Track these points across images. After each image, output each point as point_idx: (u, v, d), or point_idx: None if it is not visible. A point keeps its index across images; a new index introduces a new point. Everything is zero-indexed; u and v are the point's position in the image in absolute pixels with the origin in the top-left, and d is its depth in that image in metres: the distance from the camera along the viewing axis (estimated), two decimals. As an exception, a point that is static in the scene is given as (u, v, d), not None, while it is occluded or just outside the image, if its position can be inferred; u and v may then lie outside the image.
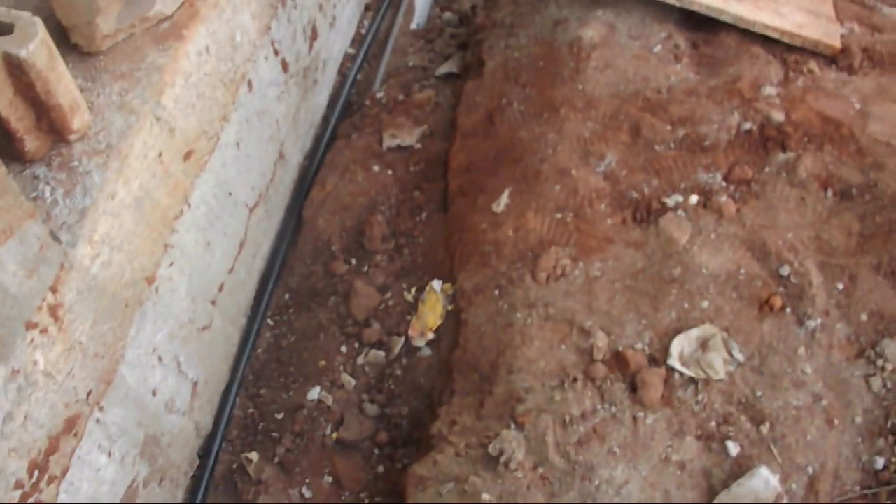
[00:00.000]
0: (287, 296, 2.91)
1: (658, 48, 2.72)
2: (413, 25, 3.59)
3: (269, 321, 2.88)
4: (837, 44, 2.71)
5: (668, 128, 2.51)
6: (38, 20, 1.79)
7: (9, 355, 1.64)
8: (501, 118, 2.72)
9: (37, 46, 1.75)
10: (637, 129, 2.53)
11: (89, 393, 1.95)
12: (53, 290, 1.81)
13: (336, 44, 3.42)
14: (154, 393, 2.30)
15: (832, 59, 2.72)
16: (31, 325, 1.73)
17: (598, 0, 2.83)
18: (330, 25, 3.29)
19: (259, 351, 2.82)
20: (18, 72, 1.76)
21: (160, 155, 2.21)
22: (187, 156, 2.35)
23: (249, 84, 2.68)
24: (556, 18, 2.85)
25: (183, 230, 2.37)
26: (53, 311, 1.82)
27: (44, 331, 1.75)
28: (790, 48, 2.72)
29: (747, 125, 2.48)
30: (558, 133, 2.56)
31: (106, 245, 1.99)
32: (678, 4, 2.69)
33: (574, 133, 2.54)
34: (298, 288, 2.90)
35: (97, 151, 2.03)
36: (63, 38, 2.17)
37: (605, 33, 2.73)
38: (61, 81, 1.87)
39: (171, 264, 2.33)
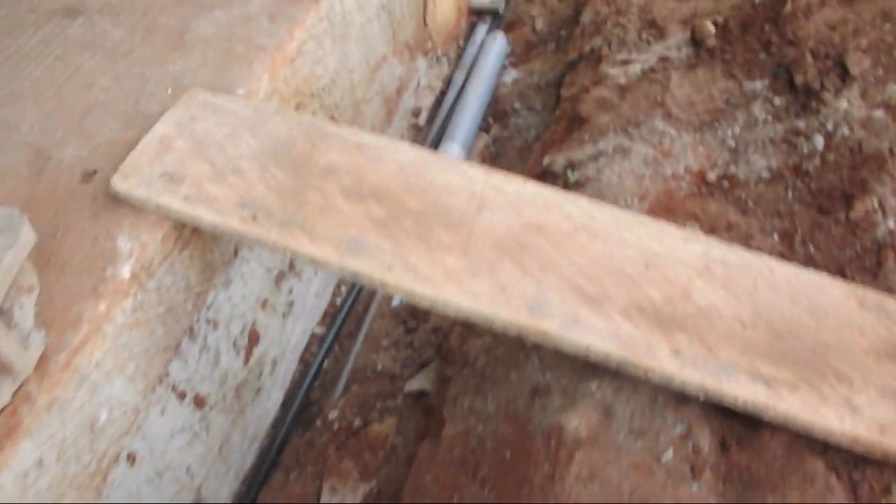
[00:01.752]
0: None
1: (669, 453, 1.93)
2: (395, 302, 2.91)
3: None
4: (937, 458, 1.87)
5: None
6: None
7: None
8: (448, 528, 2.02)
9: None
10: None
11: None
12: None
13: (296, 331, 2.79)
14: None
15: (929, 479, 1.89)
16: None
17: (593, 368, 2.05)
18: (283, 315, 2.67)
19: None
20: None
21: None
22: None
23: (131, 458, 2.09)
24: (534, 384, 2.11)
25: None
26: None
27: None
28: (864, 459, 1.90)
29: None
30: (512, 585, 1.84)
31: None
32: (702, 398, 1.91)
33: (533, 592, 1.81)
34: None
35: None
36: None
37: (596, 423, 1.97)
38: None
39: None
